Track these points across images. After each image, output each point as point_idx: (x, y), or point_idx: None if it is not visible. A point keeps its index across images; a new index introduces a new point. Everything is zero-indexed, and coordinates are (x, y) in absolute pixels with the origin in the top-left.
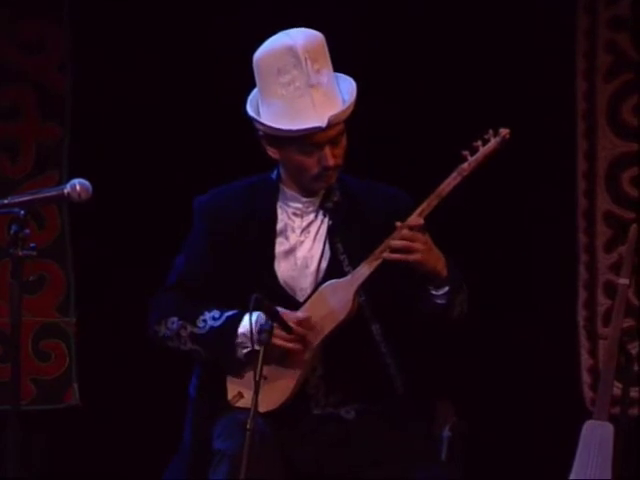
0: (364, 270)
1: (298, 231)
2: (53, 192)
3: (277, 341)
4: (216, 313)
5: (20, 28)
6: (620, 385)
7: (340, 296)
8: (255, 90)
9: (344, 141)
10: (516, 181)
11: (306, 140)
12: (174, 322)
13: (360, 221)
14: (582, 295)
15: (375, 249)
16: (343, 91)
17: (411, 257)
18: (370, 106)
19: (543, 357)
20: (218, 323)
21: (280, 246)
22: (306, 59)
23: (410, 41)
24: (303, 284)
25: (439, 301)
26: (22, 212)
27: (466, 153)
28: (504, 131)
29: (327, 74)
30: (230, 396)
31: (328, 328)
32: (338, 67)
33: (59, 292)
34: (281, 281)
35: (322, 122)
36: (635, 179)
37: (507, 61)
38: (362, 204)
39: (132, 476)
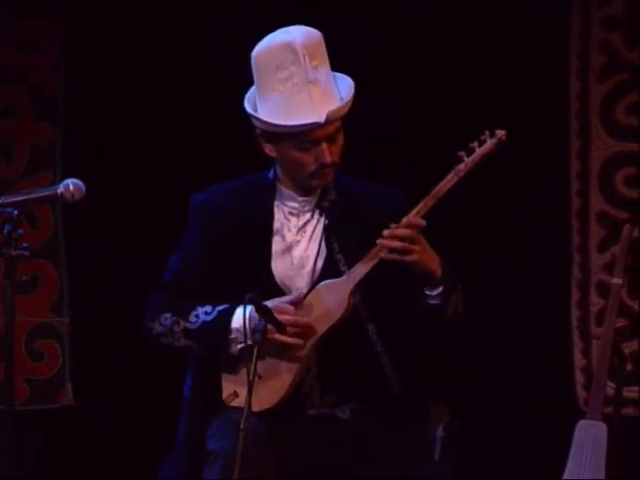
0: (360, 270)
1: (294, 230)
2: (46, 192)
3: (276, 336)
4: (208, 308)
5: (14, 28)
6: (613, 385)
7: (336, 295)
8: (253, 87)
9: (341, 139)
10: (509, 181)
11: (303, 136)
12: (167, 318)
13: (356, 220)
14: (575, 295)
15: (371, 249)
16: (341, 89)
17: (408, 257)
18: (368, 105)
19: (536, 357)
20: (210, 317)
21: (276, 245)
22: (304, 55)
23: (409, 41)
24: (299, 283)
25: (433, 301)
26: (15, 212)
27: (462, 154)
28: (500, 132)
29: (325, 71)
30: (225, 395)
31: (324, 327)
32: (337, 66)
33: (52, 292)
34: (277, 280)
35: (320, 118)
36: (629, 179)
37: (501, 61)
38: (358, 204)
39: (127, 476)
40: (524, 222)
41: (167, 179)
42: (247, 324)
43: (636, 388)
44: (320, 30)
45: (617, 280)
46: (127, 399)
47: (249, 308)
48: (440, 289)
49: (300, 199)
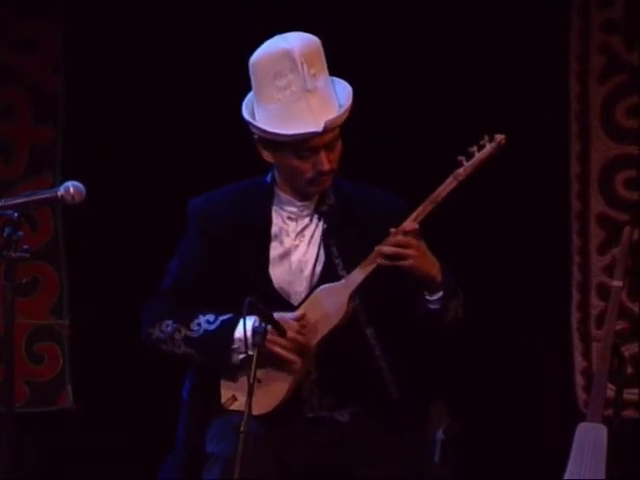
0: (358, 275)
1: (293, 235)
2: (47, 194)
3: (276, 349)
4: (210, 317)
5: (14, 28)
6: (613, 387)
7: (335, 300)
8: (251, 93)
9: (339, 146)
10: (509, 183)
11: (302, 145)
12: (168, 325)
13: (355, 225)
14: (575, 297)
15: (370, 254)
16: (339, 95)
17: (404, 263)
18: (367, 106)
19: (536, 359)
20: (213, 327)
21: (275, 250)
22: (302, 63)
23: (409, 41)
24: (298, 288)
25: (433, 306)
26: (15, 214)
27: (462, 158)
28: (500, 137)
29: (323, 79)
30: (224, 399)
31: (322, 332)
32: (337, 67)
33: (52, 294)
34: (276, 285)
35: (318, 127)
36: (629, 181)
37: (501, 62)
38: (357, 208)
39: (126, 478)
40: (524, 224)
41: (167, 181)
42: (249, 334)
43: (636, 390)
44: (319, 30)
45: (617, 282)
46: (127, 402)
47: (251, 319)
48: (440, 294)
49: (298, 204)
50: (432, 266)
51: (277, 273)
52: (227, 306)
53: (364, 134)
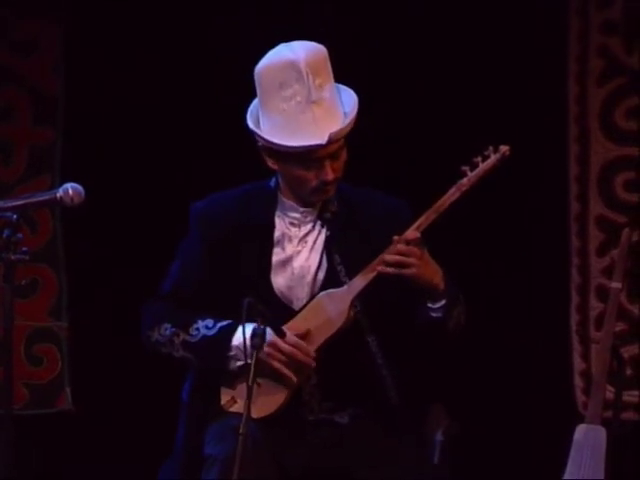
0: (360, 281)
1: (295, 241)
2: (46, 196)
3: (274, 363)
4: (209, 322)
5: (13, 29)
6: (612, 389)
7: (336, 305)
8: (255, 101)
9: (344, 154)
10: (508, 185)
11: (306, 155)
12: (167, 329)
13: (358, 231)
14: (575, 299)
15: (372, 260)
16: (345, 104)
17: (405, 271)
18: (367, 107)
19: (536, 361)
20: (211, 333)
21: (277, 256)
22: (308, 74)
23: (408, 42)
24: (300, 294)
25: (435, 314)
26: (15, 216)
27: (465, 168)
28: (504, 148)
29: (329, 88)
30: (223, 401)
31: (323, 337)
32: (337, 68)
33: (51, 296)
34: (277, 291)
35: (322, 139)
36: (628, 183)
37: (500, 63)
38: (360, 214)
39: None
40: (523, 226)
41: (167, 182)
42: (247, 341)
43: (635, 392)
44: (319, 30)
45: (616, 284)
46: (126, 403)
47: (249, 327)
48: (442, 302)
49: (301, 210)
50: (435, 274)
51: (279, 279)
52: (227, 311)
53: (364, 135)
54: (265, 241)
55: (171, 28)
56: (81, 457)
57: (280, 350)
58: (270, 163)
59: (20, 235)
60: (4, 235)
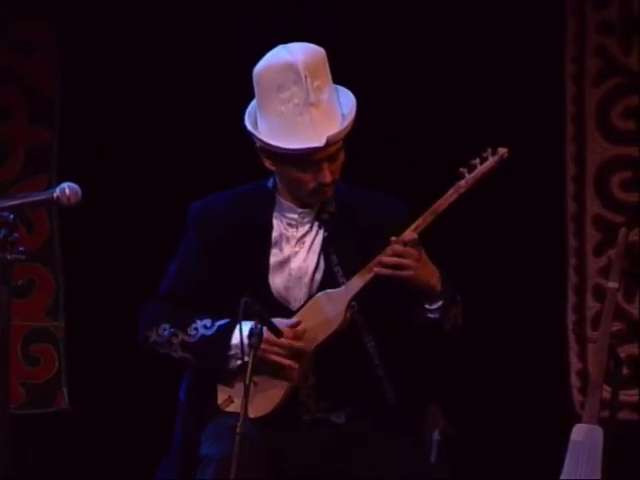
0: (357, 282)
1: (293, 242)
2: (42, 196)
3: (272, 357)
4: (207, 322)
5: (11, 30)
6: (609, 389)
7: (334, 306)
8: (253, 102)
9: (342, 156)
10: (505, 185)
11: (304, 157)
12: (165, 329)
13: (356, 232)
14: (571, 299)
15: (370, 261)
16: (343, 105)
17: (402, 273)
18: (366, 107)
19: (533, 361)
20: (210, 332)
21: (274, 257)
22: (306, 76)
23: (408, 42)
24: (297, 295)
25: (432, 315)
26: (11, 216)
27: (463, 170)
28: (502, 150)
29: (327, 90)
30: (220, 400)
31: (320, 337)
32: (336, 68)
33: (48, 296)
34: (274, 292)
35: (320, 142)
36: (624, 183)
37: (496, 64)
38: (358, 215)
39: None
40: (520, 226)
41: (164, 182)
42: (245, 341)
43: (632, 392)
44: (318, 30)
45: (613, 284)
46: (123, 403)
47: (247, 325)
48: (440, 303)
49: (299, 210)
50: (431, 276)
51: (276, 280)
52: (225, 311)
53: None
54: (263, 242)
55: (171, 28)
56: (78, 457)
57: (277, 344)
58: (268, 164)
59: (17, 235)
60: (0, 235)
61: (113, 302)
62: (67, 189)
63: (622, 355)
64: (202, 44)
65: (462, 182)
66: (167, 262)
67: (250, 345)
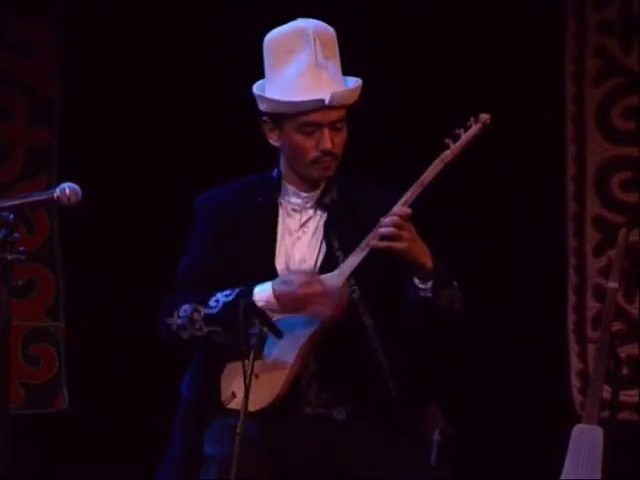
0: (352, 260)
1: (297, 226)
2: (43, 196)
3: (315, 307)
4: (227, 292)
5: (10, 30)
6: (609, 389)
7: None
8: (263, 79)
9: (344, 132)
10: (505, 185)
11: (307, 118)
12: (186, 309)
13: (356, 218)
14: (571, 299)
15: (364, 247)
16: (349, 82)
17: (397, 245)
18: (365, 107)
19: (533, 361)
20: (230, 298)
21: (279, 241)
22: (315, 40)
23: (408, 41)
24: None
25: (424, 294)
26: (11, 216)
27: (448, 141)
28: (484, 116)
29: (335, 65)
30: (223, 397)
31: (319, 320)
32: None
33: (48, 296)
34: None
35: (325, 96)
36: (625, 183)
37: (496, 64)
38: (359, 204)
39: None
40: (520, 225)
41: (165, 182)
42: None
43: (632, 392)
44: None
45: (613, 284)
46: (123, 403)
47: (263, 287)
48: (431, 282)
49: (303, 195)
50: (422, 252)
51: (281, 265)
52: None
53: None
54: (268, 227)
55: (171, 28)
56: (78, 457)
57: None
58: (272, 140)
59: (17, 235)
60: (1, 235)
61: (113, 302)
62: (67, 189)
63: (622, 355)
64: (202, 44)
65: (447, 152)
66: (167, 262)
67: (251, 346)
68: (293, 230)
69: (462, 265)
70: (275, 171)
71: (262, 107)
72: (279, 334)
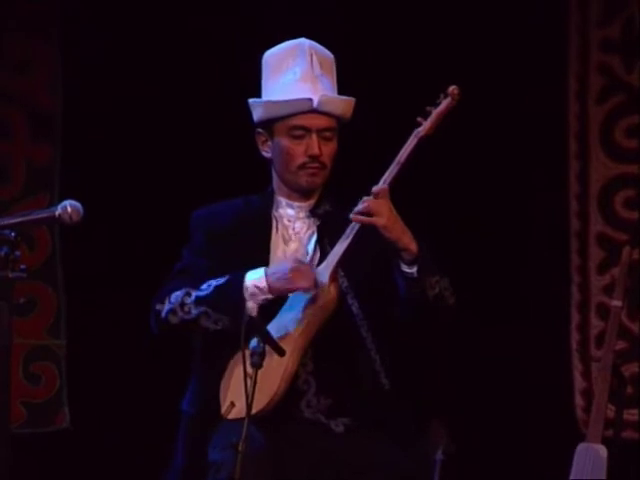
0: (337, 250)
1: (290, 236)
2: (44, 214)
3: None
4: (220, 279)
5: (8, 47)
6: (613, 407)
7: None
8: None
9: (334, 144)
10: (509, 202)
11: (296, 121)
12: (178, 295)
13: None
14: (575, 317)
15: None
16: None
17: (377, 220)
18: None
19: (536, 379)
20: (222, 281)
21: (273, 253)
22: (312, 55)
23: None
24: None
25: (412, 277)
26: (13, 234)
27: (420, 119)
28: (451, 87)
29: (330, 82)
30: (223, 409)
31: (310, 315)
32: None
33: (49, 314)
34: None
35: (314, 97)
36: (628, 201)
37: (500, 80)
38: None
39: None
40: (524, 243)
41: (166, 199)
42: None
43: (636, 411)
44: (315, 30)
45: (617, 302)
46: (124, 422)
47: (254, 273)
48: (416, 267)
49: (295, 205)
50: (404, 232)
51: None
52: None
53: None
54: (262, 238)
55: (170, 45)
56: (79, 476)
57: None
58: (265, 152)
59: (18, 253)
60: (2, 253)
61: (114, 320)
62: (69, 207)
63: (626, 374)
64: (203, 61)
65: (420, 128)
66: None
67: (252, 364)
68: (287, 239)
69: (466, 283)
70: (269, 188)
71: (256, 117)
72: (281, 352)
